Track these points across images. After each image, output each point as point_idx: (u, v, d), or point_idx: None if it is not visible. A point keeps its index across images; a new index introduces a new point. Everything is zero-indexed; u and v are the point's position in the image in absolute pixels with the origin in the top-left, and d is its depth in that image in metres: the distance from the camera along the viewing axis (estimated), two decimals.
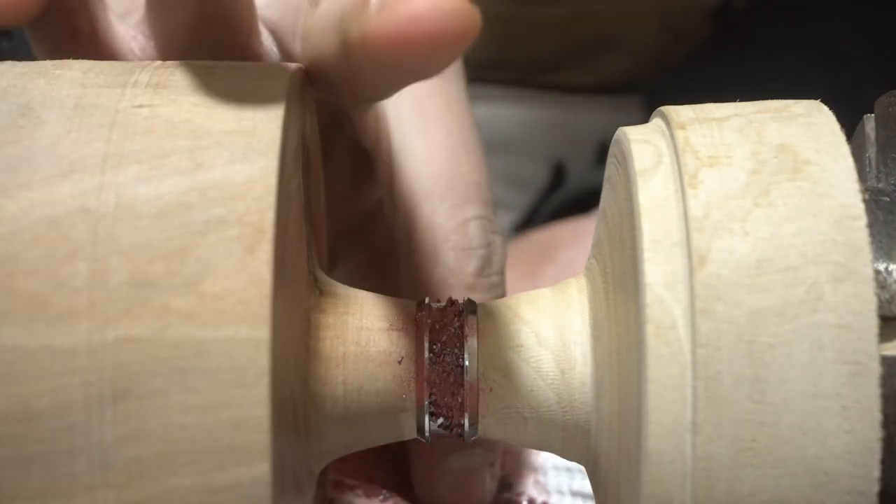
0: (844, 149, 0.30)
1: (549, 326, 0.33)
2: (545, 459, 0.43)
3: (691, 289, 0.29)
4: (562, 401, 0.33)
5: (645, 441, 0.29)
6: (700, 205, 0.29)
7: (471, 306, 0.34)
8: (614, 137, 0.33)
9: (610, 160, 0.34)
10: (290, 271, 0.31)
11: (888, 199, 0.30)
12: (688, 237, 0.29)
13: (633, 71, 0.68)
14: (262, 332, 0.28)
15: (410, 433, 0.34)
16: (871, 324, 0.28)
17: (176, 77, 0.31)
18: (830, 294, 0.28)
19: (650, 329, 0.29)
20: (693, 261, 0.29)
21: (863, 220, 0.29)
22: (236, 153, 0.29)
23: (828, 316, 0.28)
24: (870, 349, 0.28)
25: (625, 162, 0.32)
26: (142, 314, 0.28)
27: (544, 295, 0.34)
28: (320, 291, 0.34)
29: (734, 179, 0.29)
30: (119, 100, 0.30)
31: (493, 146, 0.67)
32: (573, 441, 0.33)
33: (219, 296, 0.28)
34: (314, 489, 0.34)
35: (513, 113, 0.67)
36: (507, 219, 0.69)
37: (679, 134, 0.30)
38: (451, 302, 0.34)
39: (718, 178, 0.29)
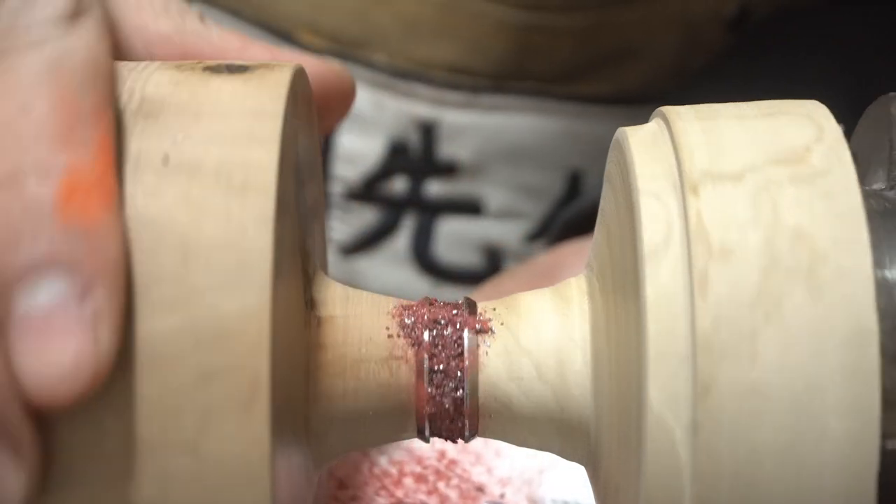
0: (863, 233, 0.28)
1: (550, 358, 0.33)
2: (545, 493, 0.42)
3: (693, 416, 0.28)
4: (562, 410, 0.32)
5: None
6: (708, 316, 0.28)
7: (471, 333, 0.33)
8: (614, 138, 0.33)
9: (610, 158, 0.33)
10: (287, 337, 0.30)
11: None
12: (694, 357, 0.28)
13: (652, 81, 0.67)
14: (263, 493, 0.27)
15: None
16: (873, 460, 0.27)
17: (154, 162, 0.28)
18: (834, 428, 0.28)
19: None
20: (697, 388, 0.28)
21: (875, 345, 0.28)
22: (227, 276, 0.27)
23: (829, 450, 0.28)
24: (868, 485, 0.27)
25: (625, 162, 0.31)
26: (141, 479, 0.27)
27: (546, 321, 0.33)
28: (318, 320, 0.33)
29: (745, 280, 0.28)
30: None
31: (508, 155, 0.67)
32: (573, 444, 0.33)
33: (219, 459, 0.27)
34: None
35: (529, 123, 0.67)
36: (521, 228, 0.68)
37: (691, 204, 0.29)
38: (452, 328, 0.33)
39: (729, 278, 0.28)
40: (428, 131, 0.66)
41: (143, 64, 0.31)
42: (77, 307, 0.26)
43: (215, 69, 0.31)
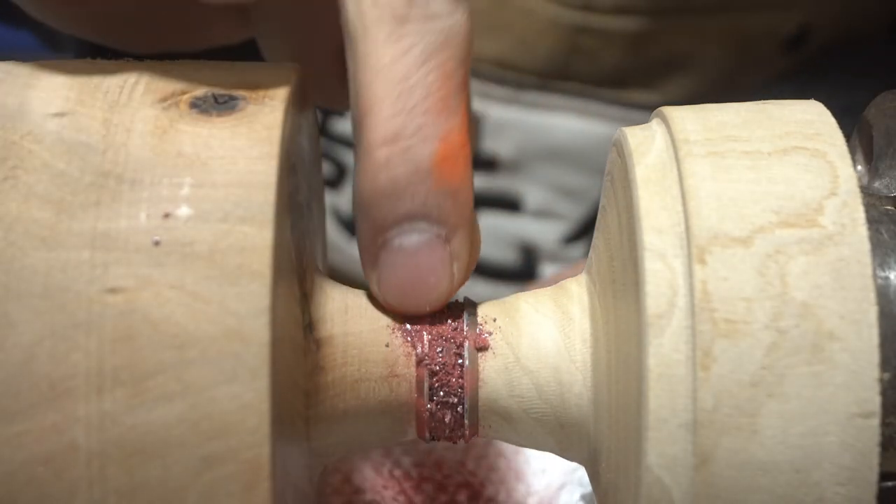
0: (871, 309, 0.28)
1: (550, 378, 0.33)
2: None
3: (692, 484, 0.28)
4: (562, 427, 0.33)
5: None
6: (710, 395, 0.28)
7: (472, 349, 0.33)
8: (614, 138, 0.32)
9: (611, 158, 0.33)
10: (286, 378, 0.30)
11: None
12: (694, 430, 0.28)
13: (700, 93, 0.67)
14: None
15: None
16: None
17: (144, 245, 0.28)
18: (830, 499, 0.27)
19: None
20: (696, 458, 0.28)
21: (876, 419, 0.27)
22: (224, 369, 0.27)
23: None
24: None
25: (631, 199, 0.30)
26: None
27: (546, 337, 0.33)
28: (318, 343, 0.32)
29: (749, 359, 0.28)
30: (89, 283, 0.28)
31: (549, 154, 0.67)
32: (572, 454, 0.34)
33: None
34: None
35: (572, 124, 0.66)
36: (558, 229, 0.68)
37: (697, 273, 0.28)
38: (453, 343, 0.33)
39: (733, 356, 0.28)
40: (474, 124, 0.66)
41: (123, 97, 0.30)
42: (441, 249, 0.31)
43: (202, 107, 0.30)
